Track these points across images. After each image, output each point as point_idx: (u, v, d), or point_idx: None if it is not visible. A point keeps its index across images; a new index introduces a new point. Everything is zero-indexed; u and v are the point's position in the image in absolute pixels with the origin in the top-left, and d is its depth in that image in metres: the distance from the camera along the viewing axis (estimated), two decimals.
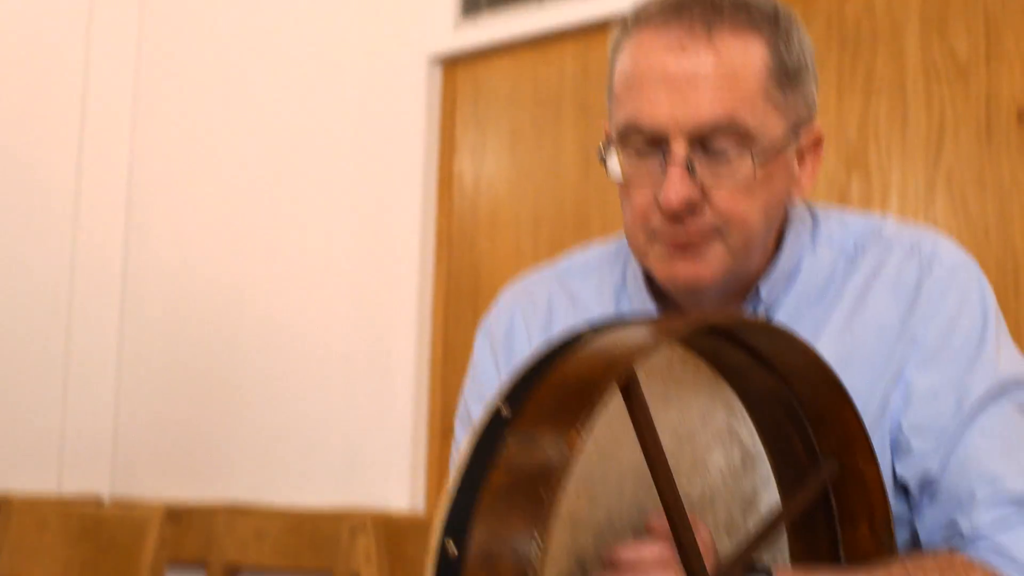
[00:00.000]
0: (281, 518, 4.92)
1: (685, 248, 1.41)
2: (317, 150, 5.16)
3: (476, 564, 1.06)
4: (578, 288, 1.59)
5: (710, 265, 1.41)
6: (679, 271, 1.41)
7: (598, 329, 1.22)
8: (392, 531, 3.14)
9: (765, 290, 1.45)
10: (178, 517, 3.25)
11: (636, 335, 1.16)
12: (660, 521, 1.20)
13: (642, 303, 1.51)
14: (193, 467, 5.32)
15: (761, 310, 1.45)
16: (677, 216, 1.39)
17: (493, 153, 4.72)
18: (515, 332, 1.61)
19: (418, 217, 4.88)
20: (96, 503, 4.86)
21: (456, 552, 1.07)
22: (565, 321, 1.57)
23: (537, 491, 1.04)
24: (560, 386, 1.12)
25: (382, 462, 4.72)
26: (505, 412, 1.13)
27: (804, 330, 1.44)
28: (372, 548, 2.72)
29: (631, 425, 1.16)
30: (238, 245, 5.42)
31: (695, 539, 1.18)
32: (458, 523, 1.09)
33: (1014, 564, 1.31)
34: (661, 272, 1.43)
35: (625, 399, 1.14)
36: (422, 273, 4.89)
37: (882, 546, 1.35)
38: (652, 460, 1.15)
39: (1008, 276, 3.38)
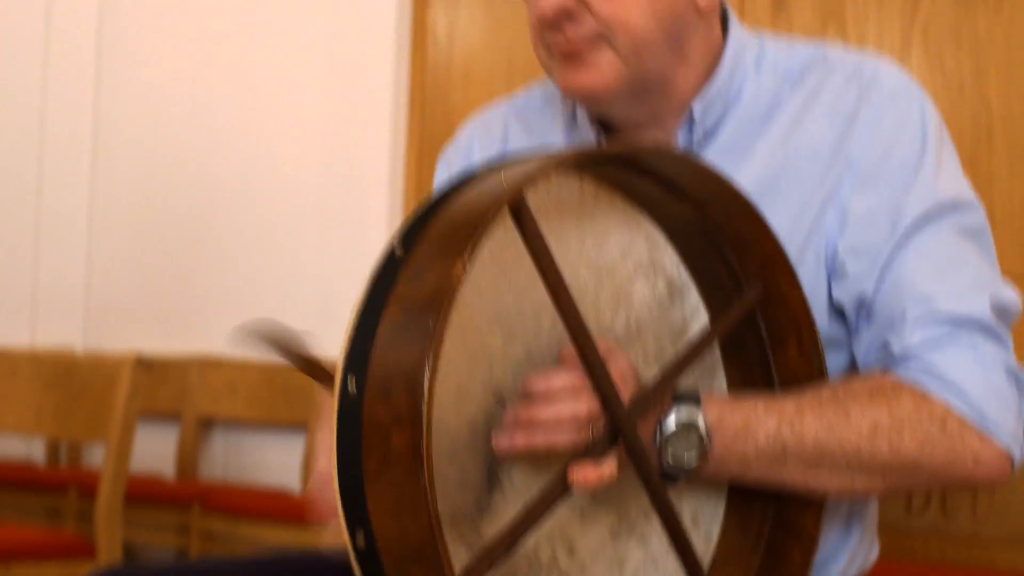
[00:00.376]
0: (254, 370, 4.95)
1: (573, 57, 1.39)
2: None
3: (374, 397, 1.07)
4: (533, 120, 1.58)
5: (601, 72, 1.38)
6: (571, 81, 1.40)
7: (493, 167, 1.21)
8: None
9: (699, 111, 1.42)
10: (150, 366, 3.24)
11: (527, 167, 1.14)
12: (572, 350, 1.19)
13: (588, 134, 1.49)
14: (166, 320, 5.34)
15: (698, 133, 1.43)
16: (556, 25, 1.38)
17: (467, 6, 4.65)
18: (472, 158, 1.61)
19: (391, 70, 4.84)
20: (69, 355, 4.87)
21: (355, 389, 1.08)
22: (519, 149, 1.56)
23: (425, 321, 1.05)
24: (450, 222, 1.12)
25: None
26: (399, 252, 1.14)
27: (739, 152, 1.42)
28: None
29: None
30: (210, 93, 5.38)
31: (602, 361, 1.17)
32: (357, 360, 1.10)
33: (942, 383, 1.30)
34: (560, 84, 1.41)
35: (516, 224, 1.13)
36: (395, 125, 4.87)
37: (811, 366, 1.34)
38: (550, 284, 1.14)
39: (982, 130, 3.36)
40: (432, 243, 1.11)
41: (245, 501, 4.43)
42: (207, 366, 5.09)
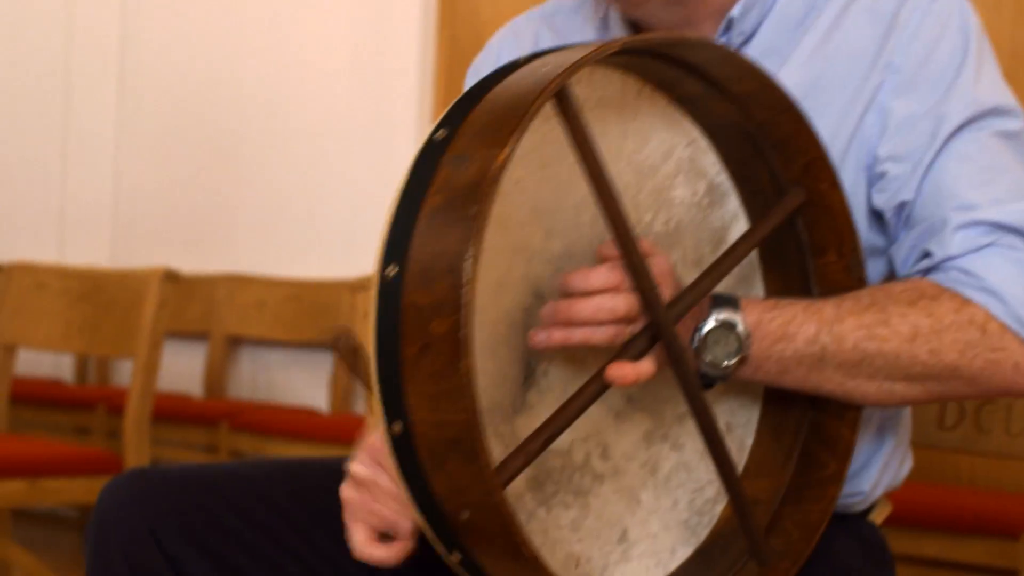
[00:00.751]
0: (282, 288, 4.95)
1: None
2: None
3: (414, 283, 1.06)
4: (563, 25, 1.56)
5: None
6: None
7: (536, 55, 1.19)
8: None
9: (738, 14, 1.40)
10: (178, 281, 3.23)
11: (571, 55, 1.12)
12: (613, 249, 1.18)
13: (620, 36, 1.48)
14: (194, 239, 5.33)
15: (735, 38, 1.41)
16: None
17: None
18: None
19: None
20: (97, 270, 4.87)
21: (395, 275, 1.08)
22: None
23: (468, 207, 1.04)
24: (493, 107, 1.11)
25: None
26: (441, 135, 1.12)
27: (777, 56, 1.40)
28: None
29: None
30: (238, 9, 5.34)
31: (644, 260, 1.16)
32: (398, 246, 1.09)
33: (983, 288, 1.29)
34: None
35: (560, 113, 1.11)
36: (423, 42, 4.83)
37: (851, 275, 1.33)
38: (593, 176, 1.13)
39: (1020, 46, 3.30)
40: (475, 129, 1.10)
41: (272, 419, 4.43)
42: (235, 284, 5.09)
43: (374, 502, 1.25)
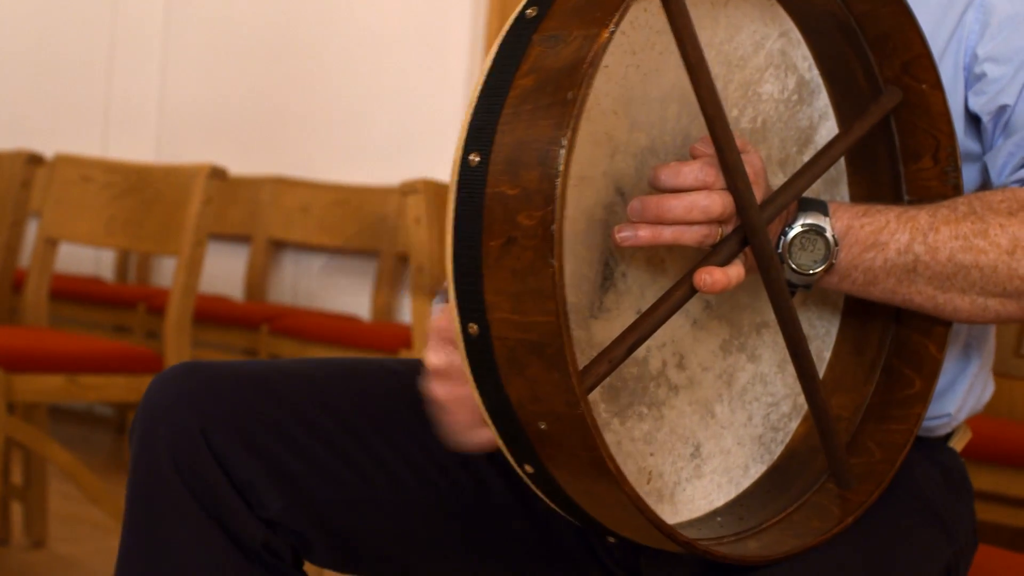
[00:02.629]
0: (327, 192, 4.88)
1: None
2: None
3: (499, 172, 0.99)
4: None
5: None
6: None
7: None
8: (443, 199, 2.91)
9: None
10: (224, 178, 3.16)
11: None
12: (705, 148, 1.11)
13: None
14: (240, 140, 5.28)
15: None
16: None
17: None
18: None
19: None
20: (142, 165, 4.84)
21: (479, 162, 1.00)
22: None
23: (564, 91, 0.96)
24: None
25: (435, 143, 4.65)
26: (531, 12, 1.04)
27: None
28: (423, 209, 2.60)
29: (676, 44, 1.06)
30: None
31: (740, 159, 1.09)
32: (482, 131, 1.02)
33: None
34: None
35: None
36: None
37: (947, 179, 1.26)
38: (691, 64, 1.05)
39: None
40: (570, 6, 1.02)
41: (313, 325, 4.39)
42: (280, 186, 5.03)
43: (463, 387, 1.17)
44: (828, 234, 1.18)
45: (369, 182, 4.80)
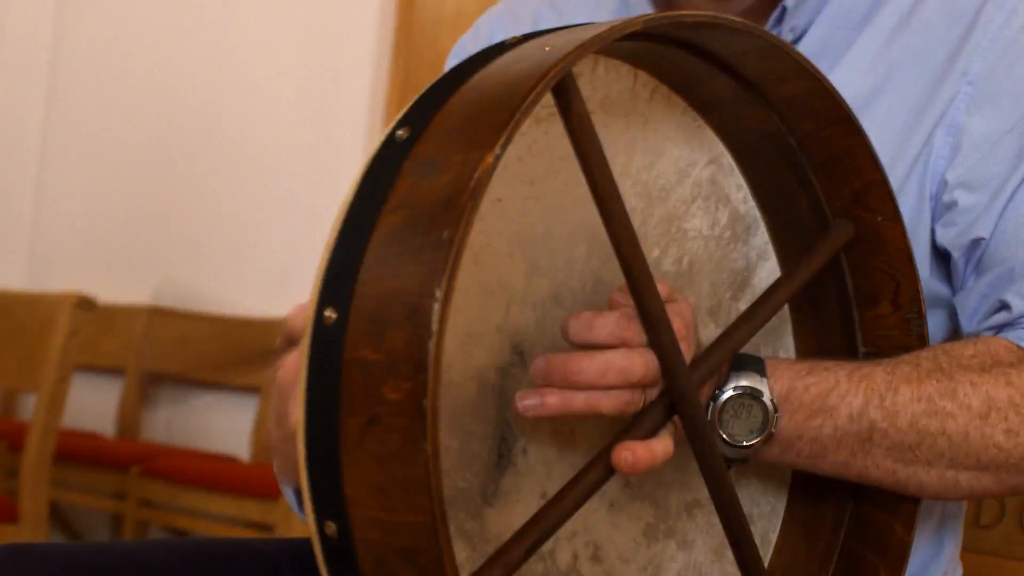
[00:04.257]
0: (208, 323, 4.71)
1: None
2: None
3: (360, 332, 0.79)
4: (570, 6, 1.32)
5: None
6: None
7: (531, 36, 0.92)
8: None
9: (792, 3, 1.16)
10: (92, 308, 2.98)
11: (578, 35, 0.85)
12: (624, 297, 0.91)
13: None
14: (117, 266, 5.09)
15: (787, 36, 1.15)
16: None
17: None
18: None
19: (376, 6, 4.59)
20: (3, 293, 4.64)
21: (335, 321, 0.80)
22: None
23: (438, 230, 0.76)
24: (475, 98, 0.84)
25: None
26: (402, 134, 0.84)
27: (828, 59, 1.16)
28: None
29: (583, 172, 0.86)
30: (177, 28, 5.11)
31: (664, 309, 0.88)
32: (340, 280, 0.81)
33: None
34: None
35: (560, 108, 0.84)
36: (376, 69, 4.62)
37: (909, 327, 1.07)
38: (602, 201, 0.85)
39: None
40: (450, 126, 0.82)
41: (189, 466, 4.17)
42: (157, 317, 4.84)
43: None
44: (766, 398, 0.98)
45: (252, 313, 4.61)
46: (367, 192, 0.82)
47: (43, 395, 2.93)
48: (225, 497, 3.89)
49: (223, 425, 4.83)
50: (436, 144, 0.82)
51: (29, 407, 5.07)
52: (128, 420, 4.90)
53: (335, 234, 0.82)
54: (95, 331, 4.65)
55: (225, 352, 4.66)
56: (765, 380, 0.98)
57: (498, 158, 0.77)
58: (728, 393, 0.97)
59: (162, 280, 4.95)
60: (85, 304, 2.96)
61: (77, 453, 4.20)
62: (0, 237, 5.40)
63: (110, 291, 4.75)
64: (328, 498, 0.79)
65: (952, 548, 1.20)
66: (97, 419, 4.93)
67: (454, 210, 0.76)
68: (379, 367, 0.76)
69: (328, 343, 0.79)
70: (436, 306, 0.74)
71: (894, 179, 1.07)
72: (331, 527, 0.80)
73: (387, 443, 0.75)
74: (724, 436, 0.97)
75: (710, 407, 0.98)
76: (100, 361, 4.88)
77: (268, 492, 3.75)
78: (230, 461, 4.45)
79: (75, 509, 4.68)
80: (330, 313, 0.79)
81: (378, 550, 0.78)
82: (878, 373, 1.01)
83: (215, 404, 4.88)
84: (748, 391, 0.98)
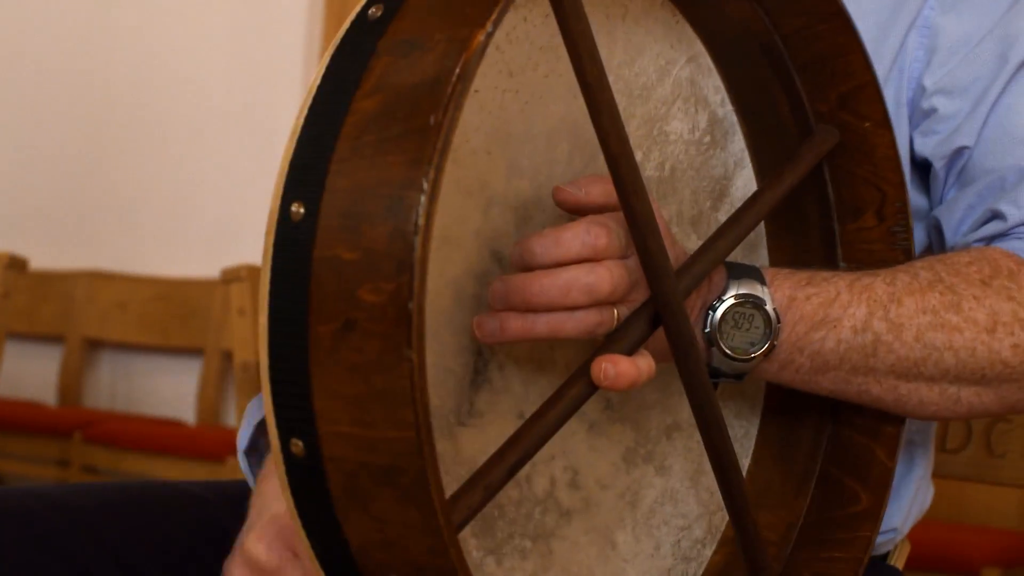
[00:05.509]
0: (147, 286, 4.63)
1: None
2: None
3: (332, 228, 0.72)
4: None
5: None
6: None
7: None
8: None
9: None
10: (24, 270, 2.88)
11: None
12: (580, 191, 0.86)
13: None
14: (51, 231, 4.97)
15: None
16: None
17: None
18: None
19: None
20: None
21: (303, 216, 0.73)
22: None
23: (423, 115, 0.70)
24: None
25: (260, 230, 4.37)
26: (375, 11, 0.77)
27: None
28: (248, 299, 2.34)
29: (566, 61, 0.79)
30: None
31: (651, 210, 0.82)
32: (307, 171, 0.74)
33: None
34: None
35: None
36: (310, 19, 4.53)
37: (895, 240, 1.02)
38: (591, 90, 0.79)
39: None
40: (431, 1, 0.76)
41: (133, 431, 4.11)
42: (95, 281, 4.74)
43: None
44: (768, 307, 0.92)
45: (191, 274, 4.52)
46: (337, 76, 0.75)
47: None
48: (171, 460, 3.84)
49: (167, 389, 4.75)
50: (416, 21, 0.75)
51: None
52: (70, 387, 4.83)
53: (301, 122, 0.75)
54: (32, 298, 4.56)
55: (165, 314, 4.59)
56: (765, 288, 0.93)
57: (490, 36, 0.71)
58: (728, 301, 0.91)
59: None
60: (16, 264, 2.86)
61: (18, 422, 4.14)
62: None
63: (46, 257, 4.64)
64: (294, 413, 0.73)
65: (923, 467, 1.16)
66: (38, 388, 4.84)
67: (440, 93, 0.69)
68: (355, 267, 0.70)
69: (295, 240, 0.72)
70: (422, 198, 0.67)
71: None
72: (297, 445, 0.73)
73: (364, 351, 0.69)
74: (726, 349, 0.92)
75: (708, 318, 0.92)
76: (39, 328, 4.79)
77: (214, 455, 3.71)
78: (175, 424, 4.40)
79: (19, 479, 4.60)
80: (297, 208, 0.73)
81: (350, 469, 0.72)
82: (878, 284, 0.96)
83: (158, 368, 4.79)
84: (750, 299, 0.92)
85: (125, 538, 1.05)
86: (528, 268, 0.83)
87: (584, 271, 0.82)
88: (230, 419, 4.50)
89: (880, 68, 1.06)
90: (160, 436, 4.03)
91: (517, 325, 0.83)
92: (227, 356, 4.48)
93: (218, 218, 4.63)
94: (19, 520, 1.03)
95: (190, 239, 4.70)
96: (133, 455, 3.94)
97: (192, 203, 4.72)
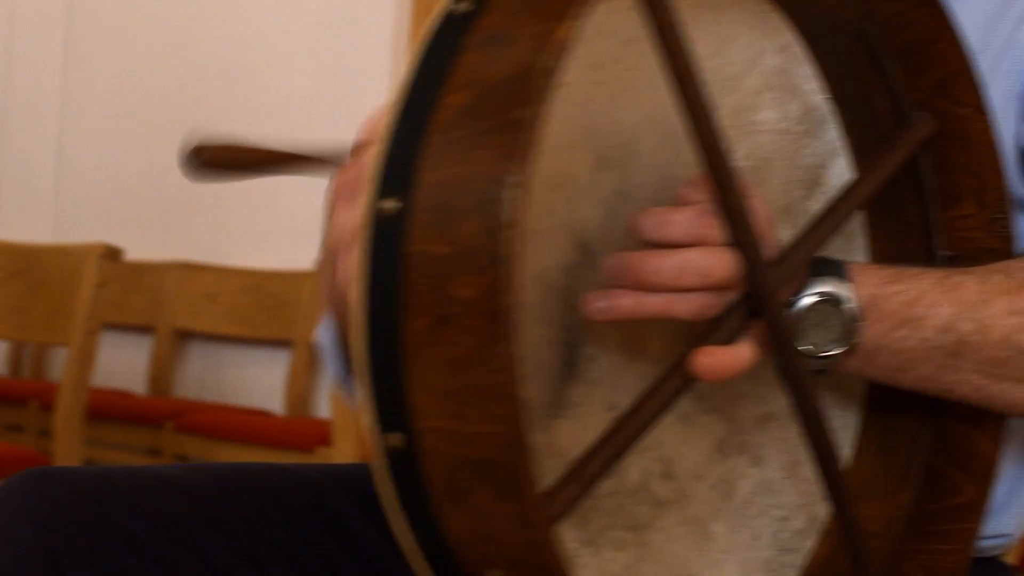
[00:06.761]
0: (237, 278, 4.65)
1: None
2: None
3: (425, 223, 0.72)
4: None
5: None
6: None
7: None
8: None
9: None
10: (119, 260, 2.90)
11: None
12: (696, 193, 0.85)
13: None
14: (143, 222, 5.01)
15: None
16: None
17: None
18: None
19: None
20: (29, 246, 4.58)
21: (395, 213, 0.73)
22: None
23: (510, 109, 0.70)
24: None
25: None
26: (463, 7, 0.77)
27: None
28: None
29: (652, 54, 0.79)
30: None
31: (745, 204, 0.82)
32: (399, 167, 0.74)
33: None
34: None
35: None
36: (397, 10, 4.53)
37: (993, 228, 1.00)
38: (682, 82, 0.78)
39: None
40: None
41: (223, 421, 4.12)
42: (186, 273, 4.77)
43: None
44: (849, 306, 0.91)
45: (281, 266, 4.54)
46: (425, 72, 0.75)
47: (73, 349, 2.85)
48: (260, 450, 3.84)
49: (255, 380, 4.77)
50: (502, 16, 0.74)
51: (58, 368, 5.03)
52: (160, 377, 4.86)
53: (391, 118, 0.75)
54: (123, 289, 4.60)
55: (255, 306, 4.61)
56: (847, 286, 0.92)
57: (576, 29, 0.70)
58: (808, 299, 0.90)
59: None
60: (112, 254, 2.88)
61: (110, 411, 4.15)
62: (24, 198, 5.35)
63: (137, 248, 4.70)
64: (391, 408, 0.73)
65: None
66: (129, 378, 4.88)
67: (528, 87, 0.69)
68: (447, 262, 0.70)
69: (387, 235, 0.72)
70: (512, 193, 0.67)
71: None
72: (395, 439, 0.73)
73: (458, 346, 0.69)
74: (804, 346, 0.91)
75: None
76: (130, 319, 4.82)
77: (303, 445, 3.70)
78: (264, 415, 4.40)
79: (90, 465, 4.65)
80: (389, 204, 0.73)
81: (448, 463, 0.72)
82: (969, 282, 0.94)
83: (247, 359, 4.81)
84: (830, 297, 0.91)
85: (242, 520, 1.06)
86: (636, 239, 0.84)
87: (700, 254, 0.83)
88: (319, 410, 4.51)
89: (990, 54, 1.04)
90: (250, 426, 4.04)
91: (628, 303, 0.83)
92: (316, 347, 4.49)
93: (305, 211, 4.66)
94: (141, 501, 1.04)
95: (278, 232, 4.72)
96: (223, 445, 3.96)
97: (280, 196, 4.75)
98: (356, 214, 0.75)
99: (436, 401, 0.71)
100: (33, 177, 5.32)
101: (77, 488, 1.02)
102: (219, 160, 0.91)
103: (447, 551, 0.74)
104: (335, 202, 0.90)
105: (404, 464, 0.73)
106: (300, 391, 4.51)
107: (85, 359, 2.84)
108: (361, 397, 0.74)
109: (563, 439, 0.86)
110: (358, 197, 0.76)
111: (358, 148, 0.90)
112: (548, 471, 0.81)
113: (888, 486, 1.04)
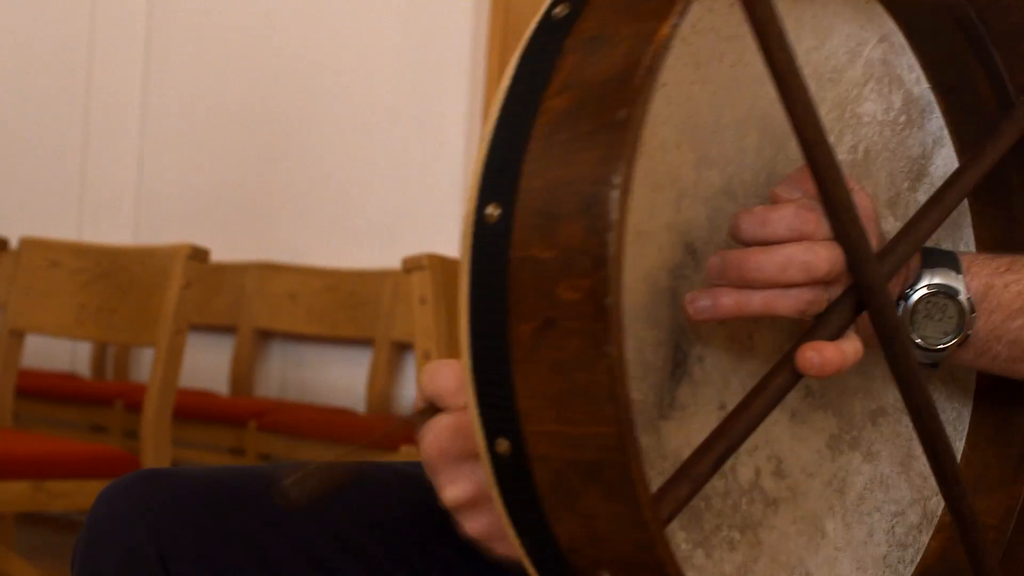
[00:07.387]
0: (317, 276, 4.66)
1: None
2: None
3: (528, 228, 0.71)
4: None
5: None
6: None
7: None
8: (451, 276, 2.55)
9: None
10: (205, 261, 2.90)
11: None
12: (791, 190, 0.84)
13: None
14: (224, 223, 5.05)
15: None
16: None
17: None
18: None
19: None
20: (115, 247, 4.62)
21: (499, 218, 0.72)
22: None
23: (612, 110, 0.69)
24: None
25: (429, 225, 4.41)
26: (561, 11, 0.76)
27: None
28: (429, 288, 2.31)
29: (753, 50, 0.77)
30: None
31: (850, 196, 0.80)
32: (502, 173, 0.73)
33: None
34: None
35: None
36: (477, 15, 4.52)
37: None
38: (783, 79, 0.76)
39: None
40: None
41: (305, 420, 4.12)
42: (266, 273, 4.79)
43: None
44: (962, 297, 0.90)
45: (360, 265, 4.55)
46: (526, 76, 0.74)
47: (160, 349, 2.86)
48: (342, 449, 3.80)
49: (336, 379, 4.78)
50: (602, 17, 0.73)
51: (143, 368, 5.08)
52: (242, 377, 4.87)
53: (493, 124, 0.75)
54: (205, 290, 4.62)
55: (335, 305, 4.61)
56: (960, 277, 0.91)
57: (675, 28, 0.69)
58: (920, 291, 0.90)
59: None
60: (198, 255, 2.89)
61: (194, 411, 4.17)
62: (106, 198, 5.40)
63: (217, 248, 4.73)
64: (498, 413, 0.72)
65: None
66: (211, 378, 4.90)
67: (629, 87, 0.68)
68: (552, 265, 0.69)
69: (492, 242, 0.72)
70: (615, 194, 0.66)
71: None
72: (503, 445, 0.73)
73: (564, 348, 0.68)
74: (916, 339, 0.90)
75: (900, 307, 0.90)
76: (212, 319, 4.85)
77: (388, 443, 3.68)
78: (346, 413, 4.40)
79: (193, 464, 4.69)
80: (492, 210, 0.72)
81: (557, 467, 0.71)
82: None
83: (328, 358, 4.83)
84: (942, 289, 0.90)
85: (347, 517, 1.06)
86: (736, 241, 0.83)
87: (802, 249, 0.82)
88: (400, 408, 4.52)
89: None
90: (333, 425, 4.03)
91: (731, 301, 0.82)
92: (397, 346, 4.50)
93: (384, 211, 4.66)
94: (248, 501, 1.04)
95: (358, 231, 4.73)
96: (307, 443, 3.95)
97: (359, 197, 4.75)
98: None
99: (543, 404, 0.70)
100: (115, 180, 5.37)
101: (185, 489, 1.02)
102: (316, 490, 0.90)
103: (557, 555, 0.73)
104: (436, 472, 0.88)
105: (512, 469, 0.73)
106: (381, 389, 4.51)
107: (172, 360, 2.85)
108: (468, 405, 0.73)
109: (672, 441, 0.85)
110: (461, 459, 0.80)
111: (427, 408, 0.89)
112: (658, 474, 0.81)
113: (1004, 477, 1.03)
